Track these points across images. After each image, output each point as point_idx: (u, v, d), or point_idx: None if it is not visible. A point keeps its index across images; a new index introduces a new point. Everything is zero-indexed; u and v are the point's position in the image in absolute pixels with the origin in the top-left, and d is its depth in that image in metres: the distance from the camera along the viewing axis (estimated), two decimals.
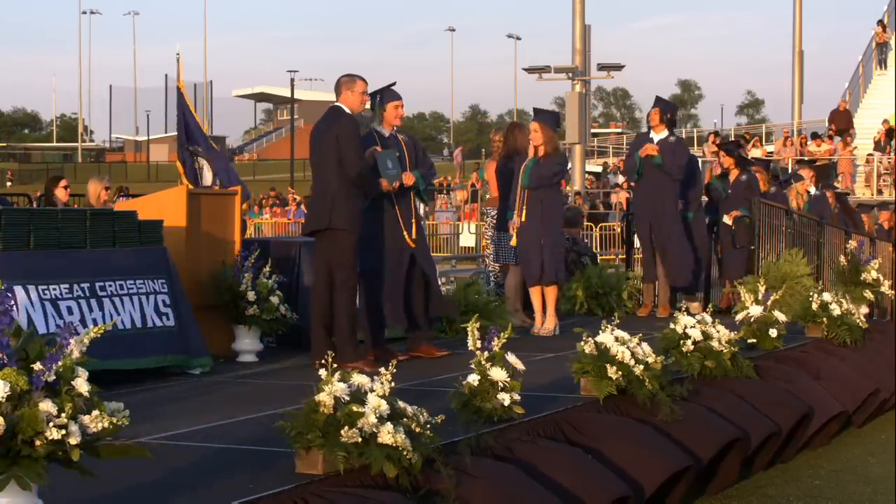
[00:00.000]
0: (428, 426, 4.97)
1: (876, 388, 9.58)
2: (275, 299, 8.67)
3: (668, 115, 12.19)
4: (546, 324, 10.49)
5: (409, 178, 8.74)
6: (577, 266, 12.95)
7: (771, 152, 35.63)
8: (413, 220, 8.89)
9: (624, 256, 15.61)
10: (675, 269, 11.95)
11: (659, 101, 12.33)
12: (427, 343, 9.04)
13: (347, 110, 8.37)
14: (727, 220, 12.60)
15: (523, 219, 10.45)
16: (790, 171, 22.80)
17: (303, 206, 35.00)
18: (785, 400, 8.15)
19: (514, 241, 10.54)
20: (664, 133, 12.03)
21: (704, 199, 12.91)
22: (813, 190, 14.61)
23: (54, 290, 7.28)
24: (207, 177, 10.30)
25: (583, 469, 5.75)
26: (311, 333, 8.41)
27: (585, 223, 31.83)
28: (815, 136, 35.10)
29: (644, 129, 12.50)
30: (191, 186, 9.55)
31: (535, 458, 5.62)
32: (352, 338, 8.26)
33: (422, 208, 9.51)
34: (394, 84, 8.99)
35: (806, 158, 30.38)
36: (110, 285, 7.64)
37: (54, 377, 3.71)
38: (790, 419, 8.00)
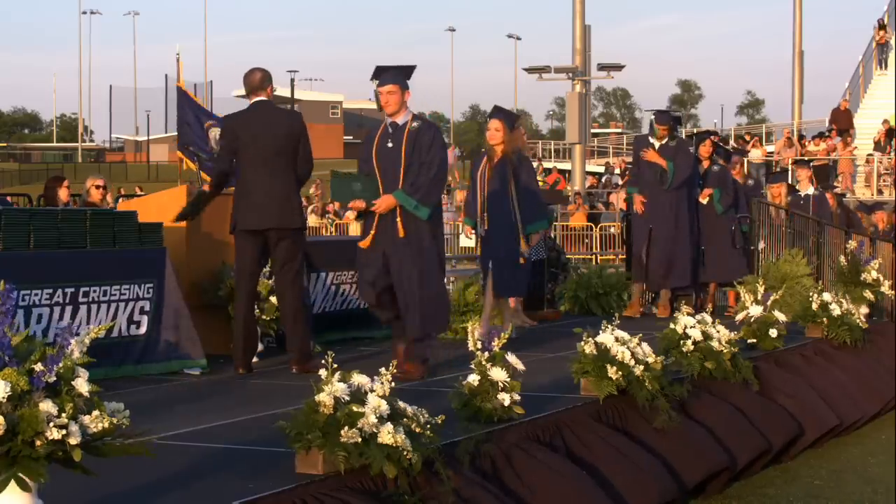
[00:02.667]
0: (428, 426, 4.97)
1: (863, 414, 9.60)
2: (274, 299, 8.65)
3: (676, 125, 12.30)
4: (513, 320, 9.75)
5: (382, 205, 7.73)
6: (562, 267, 12.94)
7: (771, 152, 35.65)
8: (394, 228, 7.73)
9: (624, 256, 15.62)
10: (677, 270, 11.93)
11: (664, 118, 12.26)
12: (408, 357, 7.78)
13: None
14: (702, 199, 12.50)
15: (486, 226, 9.90)
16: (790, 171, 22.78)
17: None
18: (779, 418, 8.15)
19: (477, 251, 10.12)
20: (664, 139, 12.04)
21: None
22: (811, 190, 14.60)
23: (35, 295, 7.19)
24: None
25: (577, 486, 5.74)
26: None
27: (586, 223, 31.90)
28: (818, 135, 35.08)
29: (644, 131, 12.44)
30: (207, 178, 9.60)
31: (530, 471, 5.62)
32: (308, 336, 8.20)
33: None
34: (395, 68, 7.98)
35: (805, 158, 30.35)
36: (95, 290, 7.59)
37: (55, 377, 3.72)
38: (782, 438, 8.01)
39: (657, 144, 12.03)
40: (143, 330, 7.92)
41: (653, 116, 12.64)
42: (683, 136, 13.18)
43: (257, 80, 8.22)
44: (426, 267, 7.80)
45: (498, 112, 10.27)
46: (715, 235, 12.57)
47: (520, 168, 10.02)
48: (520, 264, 9.94)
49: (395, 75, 7.86)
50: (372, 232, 7.80)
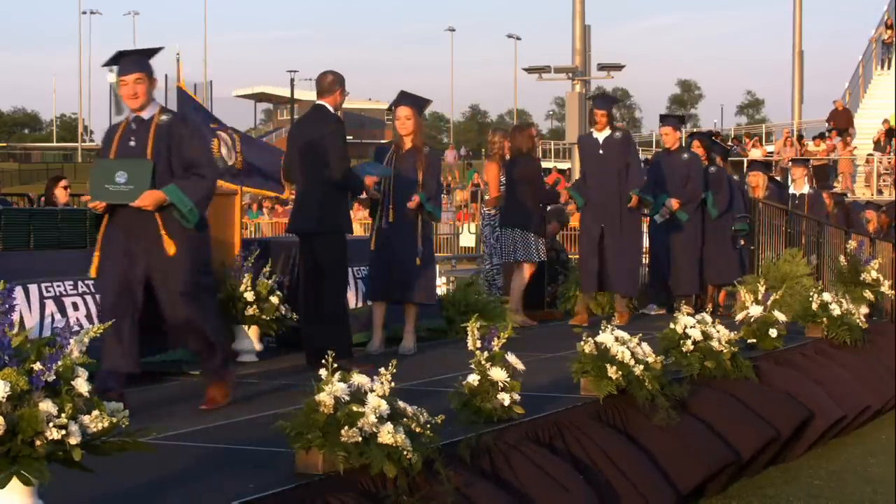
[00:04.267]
0: (428, 426, 4.98)
1: (868, 405, 9.60)
2: (275, 299, 8.68)
3: (611, 111, 11.52)
4: (405, 342, 9.24)
5: (148, 200, 6.36)
6: (561, 266, 12.94)
7: (771, 152, 35.65)
8: (156, 242, 6.51)
9: None
10: (623, 276, 11.28)
11: (602, 103, 11.61)
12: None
13: (332, 109, 8.33)
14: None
15: (390, 219, 9.02)
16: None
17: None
18: (785, 403, 8.15)
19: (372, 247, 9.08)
20: (607, 131, 11.34)
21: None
22: (806, 189, 14.56)
23: (58, 287, 7.30)
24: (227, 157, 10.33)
25: (578, 496, 5.74)
26: (303, 334, 8.38)
27: None
28: (818, 136, 35.09)
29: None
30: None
31: (531, 472, 5.62)
32: (344, 337, 8.15)
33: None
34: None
35: (802, 157, 30.35)
36: None
37: (54, 377, 3.72)
38: (790, 423, 8.00)
39: (601, 138, 11.30)
40: None
41: (591, 101, 12.13)
42: (683, 135, 12.89)
43: (326, 83, 8.37)
44: (198, 293, 6.52)
45: (405, 98, 9.30)
46: (710, 236, 12.55)
47: (430, 160, 9.23)
48: (416, 265, 9.08)
49: (140, 61, 6.61)
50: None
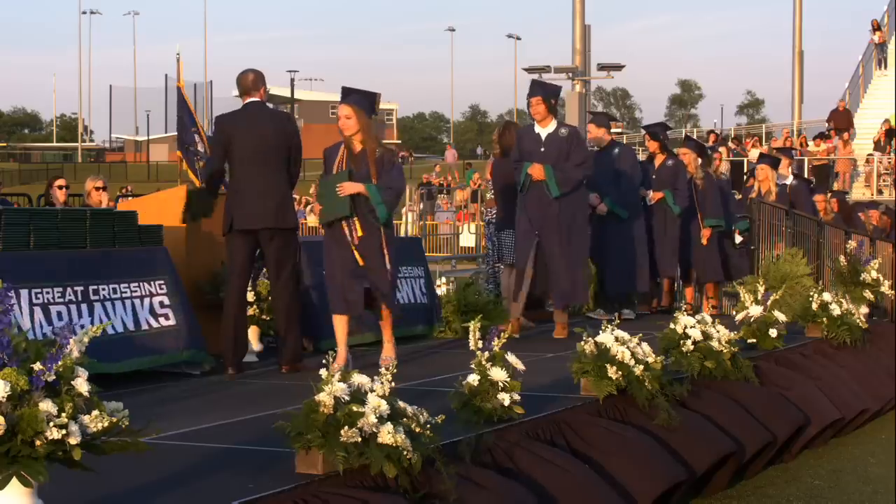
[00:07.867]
0: (428, 426, 4.97)
1: (866, 407, 9.60)
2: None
3: (552, 101, 10.13)
4: (387, 352, 8.29)
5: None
6: None
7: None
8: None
9: None
10: (563, 285, 10.13)
11: (538, 89, 10.12)
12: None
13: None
14: (651, 199, 12.19)
15: (359, 232, 7.98)
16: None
17: (305, 206, 35.04)
18: (783, 409, 8.15)
19: (361, 262, 8.02)
20: (552, 125, 10.11)
21: None
22: (790, 179, 14.47)
23: (47, 293, 7.24)
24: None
25: (580, 479, 5.74)
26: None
27: None
28: (818, 136, 35.08)
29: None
30: (198, 183, 9.65)
31: (533, 466, 5.62)
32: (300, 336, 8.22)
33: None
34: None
35: (783, 147, 30.22)
36: (104, 289, 7.62)
37: (54, 377, 3.71)
38: (787, 429, 8.01)
39: (543, 133, 10.11)
40: (172, 321, 7.97)
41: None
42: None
43: (250, 81, 8.29)
44: None
45: (347, 94, 8.21)
46: (663, 231, 12.30)
47: (384, 162, 8.08)
48: (386, 273, 8.14)
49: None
50: None
